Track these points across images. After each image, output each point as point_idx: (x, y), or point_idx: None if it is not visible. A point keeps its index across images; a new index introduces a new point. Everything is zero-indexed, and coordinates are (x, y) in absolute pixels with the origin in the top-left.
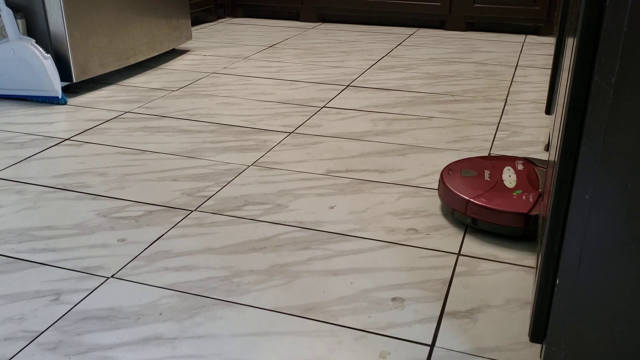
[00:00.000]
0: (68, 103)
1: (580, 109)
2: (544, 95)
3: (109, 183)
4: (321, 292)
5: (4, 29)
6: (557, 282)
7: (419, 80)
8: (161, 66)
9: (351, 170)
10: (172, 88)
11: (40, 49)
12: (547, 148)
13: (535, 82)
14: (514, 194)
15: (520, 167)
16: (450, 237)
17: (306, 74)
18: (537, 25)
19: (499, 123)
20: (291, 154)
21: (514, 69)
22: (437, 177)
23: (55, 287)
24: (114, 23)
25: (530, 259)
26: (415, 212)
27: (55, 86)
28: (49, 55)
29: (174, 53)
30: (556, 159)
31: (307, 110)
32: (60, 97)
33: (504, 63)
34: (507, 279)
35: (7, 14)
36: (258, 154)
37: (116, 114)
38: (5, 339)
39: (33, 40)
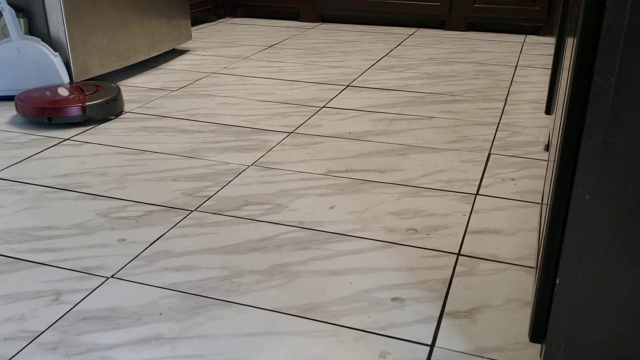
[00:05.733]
0: None
1: (580, 109)
2: (544, 95)
3: (109, 183)
4: (321, 292)
5: (6, 29)
6: (557, 282)
7: (419, 80)
8: (161, 66)
9: (351, 170)
10: (172, 88)
11: (48, 47)
12: (547, 148)
13: (535, 82)
14: (71, 97)
15: (68, 87)
16: (450, 237)
17: (306, 74)
18: (537, 25)
19: (498, 123)
20: (291, 154)
21: (514, 69)
22: (437, 177)
23: (55, 287)
24: (114, 23)
25: (530, 259)
26: (415, 212)
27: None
28: (57, 52)
29: (174, 53)
30: (556, 159)
31: (307, 110)
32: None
33: (504, 63)
34: (507, 279)
35: (9, 14)
36: (258, 154)
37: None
38: (5, 339)
39: (39, 39)
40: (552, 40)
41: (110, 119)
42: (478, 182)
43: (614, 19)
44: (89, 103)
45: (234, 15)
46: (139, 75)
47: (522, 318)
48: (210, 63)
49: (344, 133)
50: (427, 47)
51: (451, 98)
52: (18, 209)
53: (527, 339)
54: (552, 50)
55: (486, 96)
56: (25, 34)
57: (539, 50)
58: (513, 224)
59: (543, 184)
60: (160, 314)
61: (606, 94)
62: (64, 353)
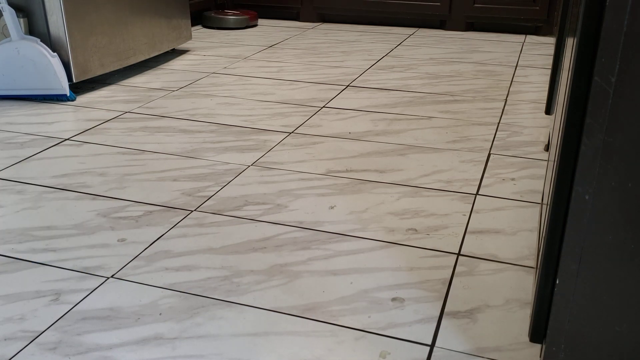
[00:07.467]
0: (68, 103)
1: (580, 109)
2: (544, 95)
3: (109, 183)
4: (321, 292)
5: (6, 29)
6: (557, 282)
7: (419, 80)
8: (161, 66)
9: (351, 170)
10: (172, 88)
11: (47, 47)
12: (547, 148)
13: (535, 82)
14: None
15: None
16: (450, 237)
17: (306, 74)
18: (537, 25)
19: (498, 123)
20: (291, 154)
21: (514, 69)
22: (437, 177)
23: (55, 287)
24: (114, 23)
25: (530, 259)
26: (415, 212)
27: (63, 84)
28: (55, 53)
29: (174, 53)
30: (556, 159)
31: (307, 110)
32: (68, 94)
33: (504, 63)
34: (507, 279)
35: (9, 14)
36: (258, 154)
37: (116, 114)
38: (5, 339)
39: (38, 40)
40: (552, 40)
41: None
42: (478, 182)
43: (614, 19)
44: None
45: None
46: (139, 75)
47: (522, 318)
48: (210, 63)
49: (344, 133)
50: (427, 47)
51: (451, 98)
52: (18, 209)
53: (527, 339)
54: (552, 50)
55: (486, 96)
56: (26, 34)
57: (539, 50)
58: (513, 224)
59: (543, 184)
60: (160, 314)
61: (606, 94)
62: (64, 353)
